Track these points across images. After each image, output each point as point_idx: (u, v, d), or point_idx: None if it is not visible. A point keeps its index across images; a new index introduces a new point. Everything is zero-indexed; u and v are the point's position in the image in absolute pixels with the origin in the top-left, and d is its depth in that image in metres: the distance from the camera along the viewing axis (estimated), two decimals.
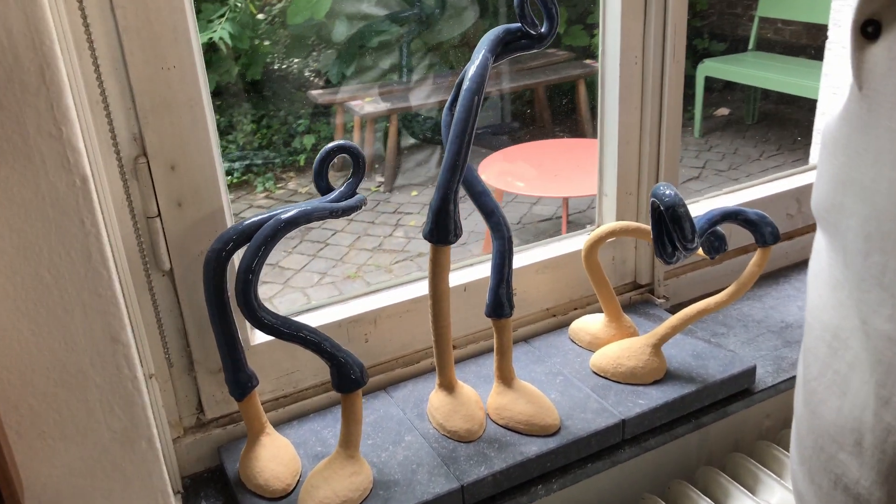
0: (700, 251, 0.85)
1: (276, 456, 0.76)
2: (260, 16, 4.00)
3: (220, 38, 3.49)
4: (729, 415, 0.88)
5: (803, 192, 1.15)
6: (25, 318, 0.56)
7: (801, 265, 1.16)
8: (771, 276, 1.13)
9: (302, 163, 3.86)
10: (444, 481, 0.75)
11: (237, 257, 0.74)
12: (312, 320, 0.86)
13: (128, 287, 0.71)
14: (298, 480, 0.76)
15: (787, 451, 0.95)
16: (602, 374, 0.88)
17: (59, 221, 0.55)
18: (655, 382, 0.87)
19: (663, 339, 0.87)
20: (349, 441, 0.75)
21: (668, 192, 0.71)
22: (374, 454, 0.79)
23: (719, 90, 4.58)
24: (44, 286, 0.56)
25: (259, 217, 0.71)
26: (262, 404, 0.85)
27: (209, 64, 3.97)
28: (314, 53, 4.21)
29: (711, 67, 4.10)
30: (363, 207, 0.76)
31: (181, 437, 0.81)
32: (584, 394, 0.86)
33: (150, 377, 0.74)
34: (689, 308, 0.85)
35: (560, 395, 0.86)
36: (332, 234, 3.28)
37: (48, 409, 0.59)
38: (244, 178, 3.83)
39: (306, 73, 4.25)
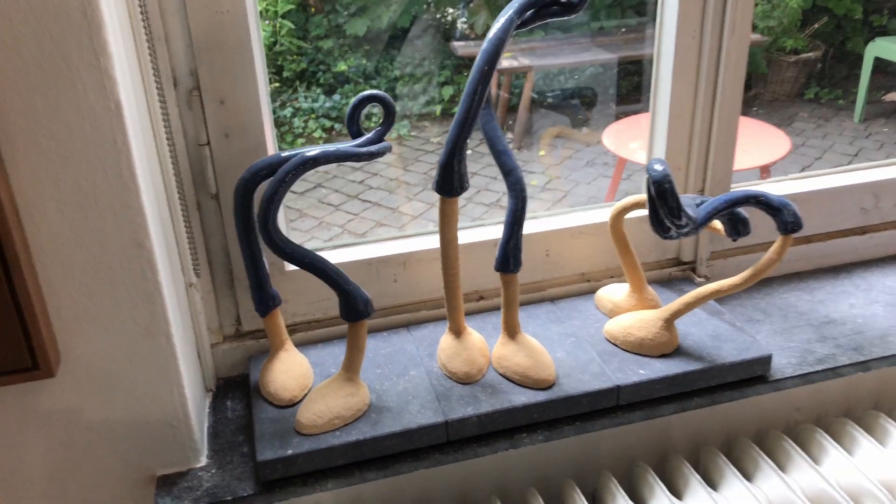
0: (721, 230, 0.85)
1: (289, 370, 0.85)
2: None
3: None
4: (735, 400, 0.88)
5: (883, 187, 1.09)
6: (66, 219, 0.67)
7: (869, 263, 1.10)
8: (832, 270, 1.09)
9: (438, 113, 3.94)
10: (431, 414, 0.81)
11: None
12: (344, 255, 0.93)
13: (174, 205, 0.81)
14: (306, 394, 0.85)
15: (802, 446, 0.93)
16: (613, 342, 0.90)
17: (95, 139, 0.65)
18: (663, 356, 0.88)
19: (675, 314, 0.87)
20: (350, 365, 0.82)
21: (657, 167, 0.71)
22: (378, 382, 0.86)
23: (893, 73, 4.20)
24: (81, 193, 0.67)
25: (287, 153, 0.79)
26: (293, 325, 0.94)
27: (363, 9, 4.11)
28: (470, 5, 4.26)
29: (883, 47, 3.77)
30: (387, 154, 0.81)
31: (219, 343, 0.92)
32: (590, 357, 0.88)
33: (189, 286, 0.85)
34: (702, 288, 0.85)
35: (566, 355, 0.89)
36: None
37: (83, 298, 0.70)
38: None
39: (458, 25, 4.31)
